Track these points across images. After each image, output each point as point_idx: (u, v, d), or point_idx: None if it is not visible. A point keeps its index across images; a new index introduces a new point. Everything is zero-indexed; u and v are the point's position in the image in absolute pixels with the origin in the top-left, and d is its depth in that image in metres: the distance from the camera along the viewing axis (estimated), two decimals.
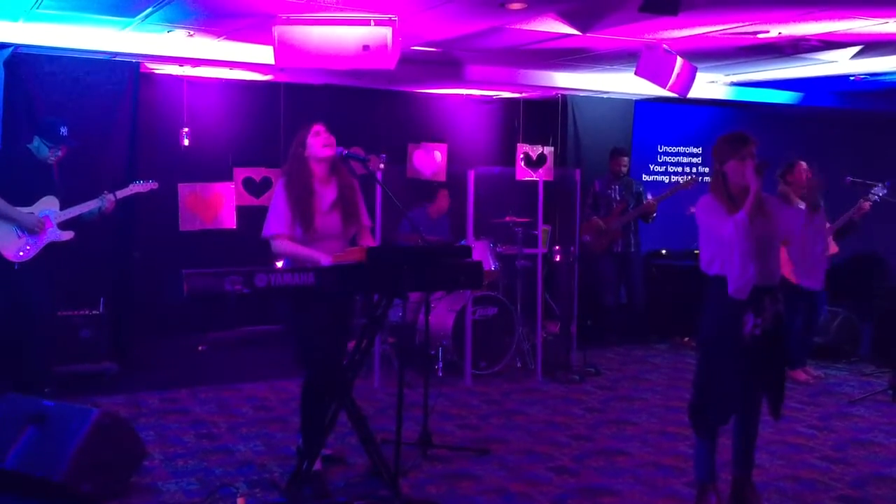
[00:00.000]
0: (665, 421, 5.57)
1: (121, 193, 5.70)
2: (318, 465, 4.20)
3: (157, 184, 5.93)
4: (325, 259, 4.03)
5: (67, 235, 5.56)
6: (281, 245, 4.22)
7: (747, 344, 3.76)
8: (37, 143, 5.48)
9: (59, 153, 5.52)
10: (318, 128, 4.31)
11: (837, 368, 7.18)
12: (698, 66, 6.78)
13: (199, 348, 7.49)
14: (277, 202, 4.25)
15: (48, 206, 5.50)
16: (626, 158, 8.15)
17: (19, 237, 5.39)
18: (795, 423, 5.47)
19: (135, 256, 6.81)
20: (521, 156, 7.37)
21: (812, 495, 4.24)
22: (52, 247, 5.49)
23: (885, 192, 6.54)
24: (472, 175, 6.45)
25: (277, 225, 4.21)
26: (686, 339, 8.09)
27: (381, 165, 6.37)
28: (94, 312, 6.32)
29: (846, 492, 4.30)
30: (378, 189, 6.05)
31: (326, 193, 4.31)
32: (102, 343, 6.34)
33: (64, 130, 5.47)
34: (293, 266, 4.21)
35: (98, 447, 3.94)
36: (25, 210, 5.41)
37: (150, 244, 7.14)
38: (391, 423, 4.35)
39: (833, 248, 6.45)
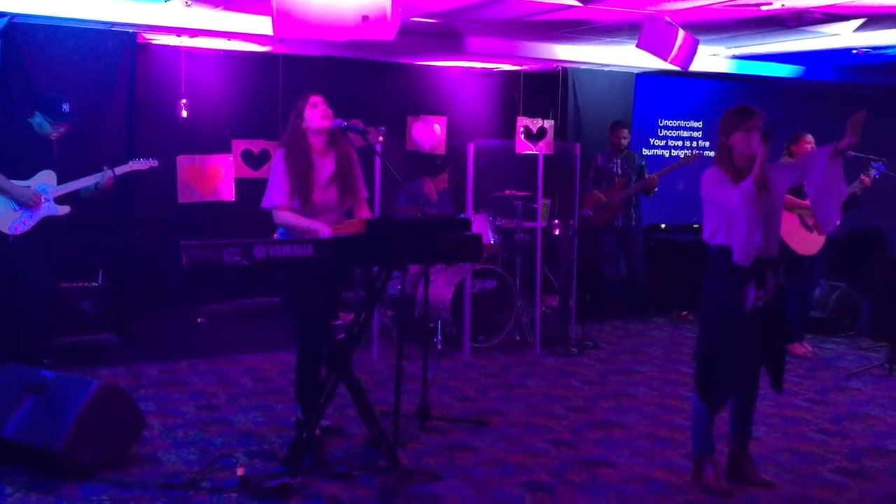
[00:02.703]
0: (663, 394, 5.59)
1: (119, 170, 5.66)
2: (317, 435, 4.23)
3: (156, 162, 5.87)
4: (325, 230, 4.04)
5: (64, 210, 5.53)
6: (281, 216, 4.23)
7: (749, 317, 3.77)
8: (38, 119, 5.45)
9: (62, 129, 5.48)
10: (315, 99, 4.29)
11: (835, 342, 7.21)
12: (700, 38, 6.73)
13: (199, 320, 7.50)
14: (277, 173, 4.25)
15: (45, 180, 5.47)
16: (626, 131, 8.11)
17: (14, 211, 5.37)
18: (793, 396, 5.49)
19: (132, 228, 6.79)
20: (521, 129, 7.33)
21: (809, 468, 4.26)
22: (49, 220, 5.47)
23: (885, 168, 6.54)
24: (471, 148, 6.43)
25: (278, 196, 4.22)
26: (685, 312, 8.10)
27: (381, 138, 6.33)
28: (93, 284, 6.32)
29: (843, 464, 4.33)
30: (377, 161, 6.03)
31: (325, 166, 4.30)
32: (102, 315, 6.35)
33: (66, 107, 5.43)
34: (291, 237, 4.21)
35: (98, 417, 3.95)
36: (22, 184, 5.39)
37: (148, 216, 7.11)
38: (390, 395, 4.37)
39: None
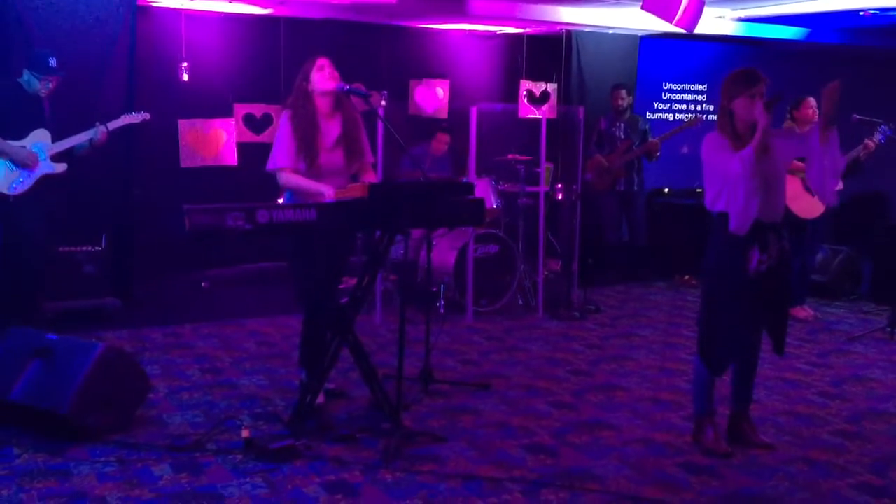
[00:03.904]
0: (664, 357, 5.62)
1: (112, 125, 5.66)
2: (320, 399, 4.27)
3: (148, 115, 5.86)
4: (329, 191, 4.04)
5: (61, 168, 5.55)
6: (286, 178, 4.22)
7: (752, 280, 3.77)
8: (27, 77, 5.44)
9: (51, 85, 5.47)
10: (322, 62, 4.27)
11: (837, 306, 7.22)
12: (705, 0, 6.65)
13: (202, 285, 7.52)
14: (282, 135, 4.23)
15: (40, 139, 5.47)
16: (623, 92, 8.02)
17: (12, 171, 5.38)
18: (794, 359, 5.52)
19: (135, 192, 6.78)
20: (525, 93, 7.29)
21: (809, 430, 4.30)
22: (48, 179, 5.49)
23: (891, 132, 6.48)
24: (474, 112, 6.39)
25: (283, 158, 4.21)
26: (686, 277, 8.11)
27: (383, 102, 6.31)
28: (96, 248, 6.33)
29: (843, 426, 4.36)
30: (380, 125, 6.00)
31: (331, 129, 4.28)
32: (105, 279, 6.36)
33: (53, 62, 5.41)
34: (296, 200, 4.21)
35: (103, 380, 3.98)
36: (17, 144, 5.40)
37: (151, 180, 7.11)
38: (393, 359, 4.40)
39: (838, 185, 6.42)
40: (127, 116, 5.77)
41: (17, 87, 5.47)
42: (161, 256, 7.29)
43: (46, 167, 5.48)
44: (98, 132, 5.57)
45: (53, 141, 5.51)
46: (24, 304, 5.53)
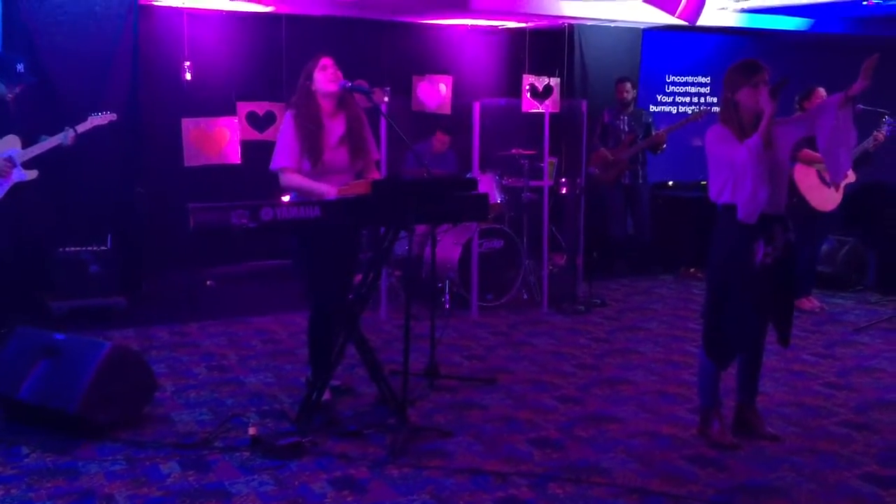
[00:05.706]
0: (670, 350, 5.62)
1: (81, 128, 5.62)
2: (327, 396, 4.28)
3: (115, 115, 5.80)
4: (331, 192, 4.04)
5: (32, 174, 5.49)
6: (289, 178, 4.21)
7: (758, 273, 3.77)
8: None
9: (17, 90, 5.44)
10: (325, 61, 4.25)
11: (843, 297, 7.21)
12: None
13: (207, 283, 7.54)
14: (285, 135, 4.22)
15: (10, 145, 5.42)
16: (628, 84, 8.01)
17: None
18: (800, 350, 5.51)
19: (139, 192, 6.79)
20: (527, 87, 7.28)
21: (815, 421, 4.30)
22: (19, 187, 5.44)
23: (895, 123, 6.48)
24: (477, 107, 6.39)
25: (285, 158, 4.20)
26: (692, 269, 8.10)
27: (386, 98, 6.29)
28: (102, 248, 6.36)
29: (849, 417, 4.36)
30: (383, 122, 6.00)
31: (335, 128, 4.28)
32: (111, 278, 6.38)
33: (21, 67, 5.40)
34: (300, 199, 4.21)
35: (111, 379, 4.00)
36: None
37: (155, 180, 7.12)
38: (398, 355, 4.41)
39: (850, 178, 6.43)
40: (94, 118, 5.70)
41: None
42: (166, 255, 7.31)
43: (19, 175, 5.44)
44: (67, 136, 5.52)
45: (23, 146, 5.46)
46: (29, 304, 5.53)
